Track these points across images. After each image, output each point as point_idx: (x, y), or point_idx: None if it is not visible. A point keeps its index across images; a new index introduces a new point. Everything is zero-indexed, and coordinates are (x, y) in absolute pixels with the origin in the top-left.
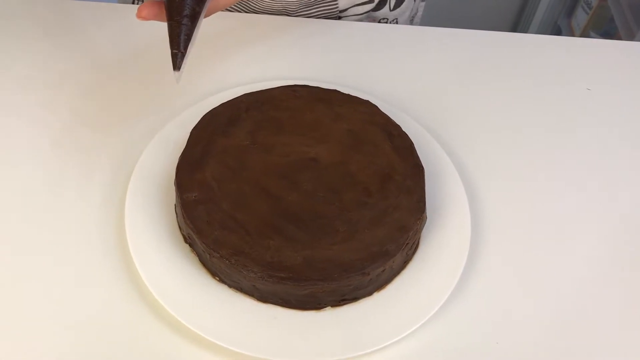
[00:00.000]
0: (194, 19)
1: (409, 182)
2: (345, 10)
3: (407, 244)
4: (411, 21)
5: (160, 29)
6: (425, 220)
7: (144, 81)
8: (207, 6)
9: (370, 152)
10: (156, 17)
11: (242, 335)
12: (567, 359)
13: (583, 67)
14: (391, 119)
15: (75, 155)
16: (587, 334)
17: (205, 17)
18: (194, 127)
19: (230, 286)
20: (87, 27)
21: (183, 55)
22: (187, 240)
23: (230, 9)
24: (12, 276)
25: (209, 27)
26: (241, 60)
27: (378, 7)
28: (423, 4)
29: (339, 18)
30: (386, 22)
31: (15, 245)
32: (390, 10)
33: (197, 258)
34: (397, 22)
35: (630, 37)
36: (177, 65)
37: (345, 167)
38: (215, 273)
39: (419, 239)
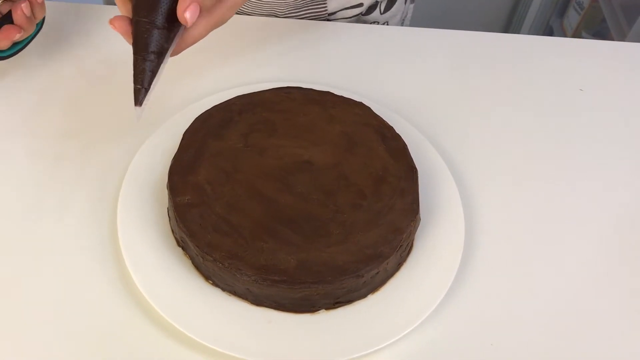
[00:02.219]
0: (160, 55)
1: (402, 184)
2: (334, 13)
3: (401, 245)
4: (402, 24)
5: None
6: (419, 222)
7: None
8: (175, 44)
9: (364, 154)
10: (124, 34)
11: (237, 338)
12: None
13: (575, 68)
14: (385, 121)
15: (66, 159)
16: (582, 334)
17: (172, 55)
18: (187, 130)
19: (224, 290)
20: (73, 29)
21: (146, 91)
22: (180, 243)
23: None
24: (4, 281)
25: None
26: (233, 62)
27: (369, 11)
28: (412, 6)
29: (328, 20)
30: (377, 25)
31: (6, 250)
32: (381, 14)
33: (190, 261)
34: (387, 25)
35: (622, 37)
36: (138, 100)
37: (339, 169)
38: (209, 276)
39: (413, 240)
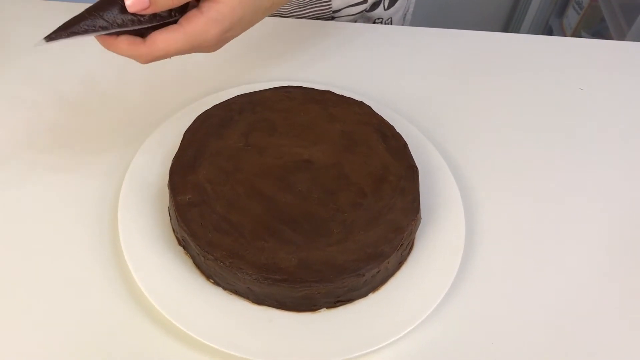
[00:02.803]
0: (106, 25)
1: (403, 183)
2: (339, 10)
3: (402, 244)
4: (404, 19)
5: None
6: (420, 221)
7: (136, 82)
8: (130, 28)
9: (364, 153)
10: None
11: (238, 337)
12: (562, 359)
13: (575, 67)
14: (385, 120)
15: (67, 158)
16: (583, 334)
17: (142, 62)
18: (187, 129)
19: (225, 289)
20: None
21: (64, 37)
22: (181, 242)
23: None
24: (4, 281)
25: None
26: (234, 61)
27: (372, 7)
28: (413, 1)
29: (332, 18)
30: (381, 22)
31: (6, 250)
32: (385, 10)
33: (191, 261)
34: (391, 21)
35: (621, 36)
36: (51, 37)
37: (339, 168)
38: (210, 275)
39: (414, 239)
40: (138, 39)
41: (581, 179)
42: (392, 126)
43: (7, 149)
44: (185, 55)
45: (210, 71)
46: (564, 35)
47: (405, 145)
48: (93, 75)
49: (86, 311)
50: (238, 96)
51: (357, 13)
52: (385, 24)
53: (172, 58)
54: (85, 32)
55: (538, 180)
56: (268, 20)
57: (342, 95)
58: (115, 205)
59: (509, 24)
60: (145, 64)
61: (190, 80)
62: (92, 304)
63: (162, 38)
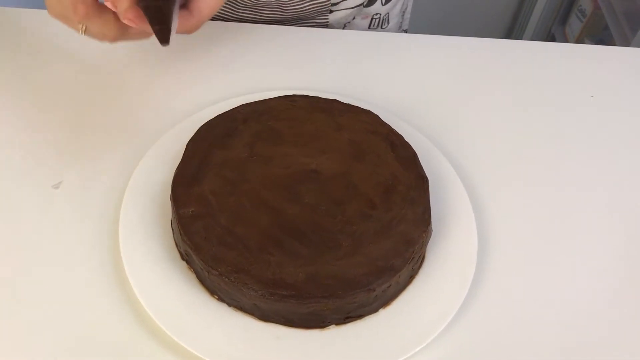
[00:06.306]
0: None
1: (413, 193)
2: (337, 4)
3: (413, 257)
4: (402, 16)
5: None
6: (431, 233)
7: (136, 93)
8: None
9: (372, 162)
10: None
11: (244, 356)
12: None
13: (584, 74)
14: (393, 129)
15: (67, 170)
16: (600, 343)
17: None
18: (190, 140)
19: (230, 305)
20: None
21: (169, 29)
22: (184, 257)
23: (225, 15)
24: (4, 294)
25: (205, 37)
26: (238, 70)
27: (370, 3)
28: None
29: (331, 12)
30: (378, 18)
31: (8, 263)
32: (382, 5)
33: (194, 276)
34: (388, 17)
35: (625, 44)
36: (165, 38)
37: (347, 178)
38: (214, 291)
39: (425, 252)
40: (184, 12)
41: (595, 186)
42: (401, 135)
43: (6, 161)
44: (186, 64)
45: (213, 80)
46: (567, 43)
47: (414, 154)
48: (93, 84)
49: (87, 328)
50: (242, 105)
51: (355, 7)
52: (382, 20)
53: (170, 68)
54: (169, 11)
55: (550, 188)
56: (272, 28)
57: (348, 104)
58: (117, 219)
59: (511, 32)
60: (191, 33)
61: (193, 90)
62: (92, 320)
63: (206, 4)
